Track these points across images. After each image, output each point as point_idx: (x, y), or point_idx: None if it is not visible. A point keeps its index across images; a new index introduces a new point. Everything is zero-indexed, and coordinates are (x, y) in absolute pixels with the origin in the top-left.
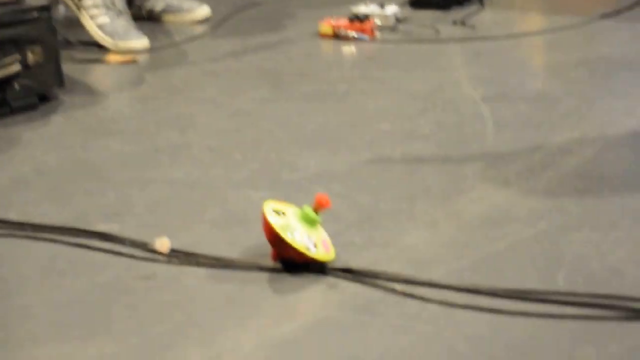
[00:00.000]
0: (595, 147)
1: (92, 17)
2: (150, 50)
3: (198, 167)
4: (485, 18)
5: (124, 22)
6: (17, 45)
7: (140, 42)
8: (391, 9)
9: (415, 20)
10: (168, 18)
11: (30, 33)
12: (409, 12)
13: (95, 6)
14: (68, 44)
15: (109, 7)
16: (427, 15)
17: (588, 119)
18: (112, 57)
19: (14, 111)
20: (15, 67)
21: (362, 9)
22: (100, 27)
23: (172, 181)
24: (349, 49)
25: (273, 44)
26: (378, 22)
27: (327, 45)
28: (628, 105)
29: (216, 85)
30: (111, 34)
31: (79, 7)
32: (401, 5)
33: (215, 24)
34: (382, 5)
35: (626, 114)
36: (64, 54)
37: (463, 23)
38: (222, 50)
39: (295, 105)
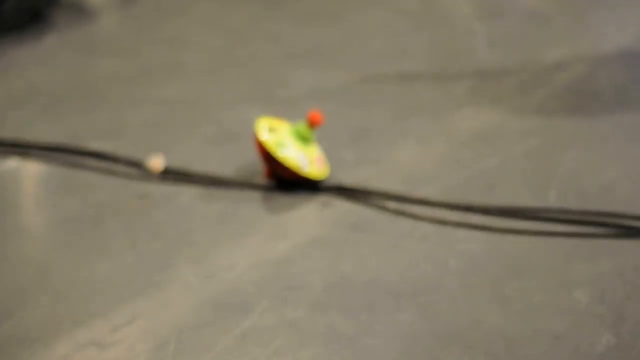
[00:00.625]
0: (588, 63)
1: None
2: None
3: (191, 85)
4: None
5: None
6: None
7: None
8: None
9: None
10: None
11: None
12: None
13: None
14: None
15: None
16: None
17: (581, 35)
18: None
19: (4, 30)
20: None
21: None
22: None
23: (165, 100)
24: None
25: None
26: None
27: None
28: (621, 21)
29: (209, 4)
30: None
31: None
32: None
33: None
34: None
35: (619, 30)
36: None
37: None
38: None
39: (288, 23)
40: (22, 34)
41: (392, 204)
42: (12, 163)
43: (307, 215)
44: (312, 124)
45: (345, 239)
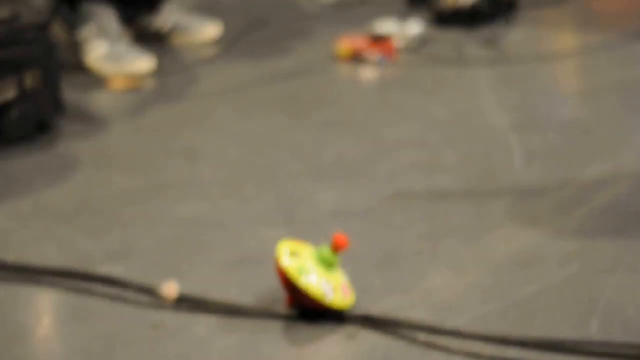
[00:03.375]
0: (631, 180)
1: (90, 50)
2: (157, 74)
3: (207, 202)
4: (513, 37)
5: (125, 45)
6: (13, 68)
7: (145, 62)
8: (414, 28)
9: (440, 40)
10: (177, 39)
11: (27, 55)
12: (432, 30)
13: (91, 37)
14: (69, 67)
15: (106, 34)
16: (452, 34)
17: (623, 150)
18: (115, 83)
19: (10, 141)
20: (11, 93)
21: (382, 28)
22: (101, 56)
23: (179, 218)
24: (368, 71)
25: (287, 66)
26: (399, 42)
27: (345, 68)
28: None
29: (227, 113)
30: (113, 59)
31: (73, 44)
32: (425, 21)
33: (226, 45)
34: (403, 23)
35: None
36: (65, 78)
37: (490, 43)
38: (233, 74)
39: (311, 133)
40: (29, 146)
41: (423, 336)
42: (18, 289)
43: (331, 349)
44: (337, 248)
45: None
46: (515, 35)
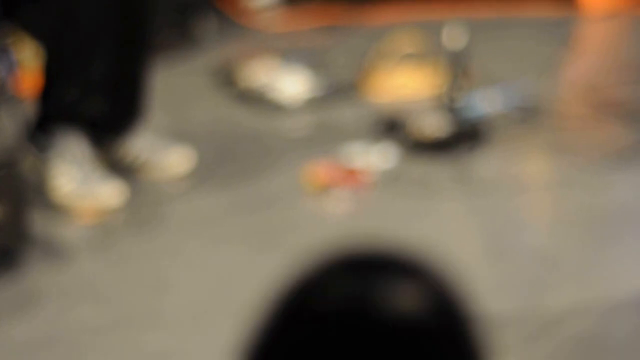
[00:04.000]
0: (598, 311)
1: (60, 181)
2: (127, 206)
3: (174, 335)
4: (485, 163)
5: (96, 177)
6: None
7: (115, 194)
8: (384, 156)
9: (409, 169)
10: (148, 170)
11: None
12: (402, 159)
13: (62, 168)
14: (38, 198)
15: (77, 166)
16: (421, 164)
17: (592, 280)
18: (85, 214)
19: None
20: None
21: (352, 154)
22: (71, 187)
23: (146, 352)
24: (337, 200)
25: (257, 197)
26: (370, 170)
27: (314, 199)
28: (636, 265)
29: (196, 245)
30: (83, 191)
31: (44, 175)
32: (394, 150)
33: (197, 176)
34: (376, 153)
35: (634, 275)
36: (34, 209)
37: (461, 172)
38: (203, 205)
39: (279, 266)
40: None
41: None
42: None
43: None
44: None
45: None
46: (487, 162)
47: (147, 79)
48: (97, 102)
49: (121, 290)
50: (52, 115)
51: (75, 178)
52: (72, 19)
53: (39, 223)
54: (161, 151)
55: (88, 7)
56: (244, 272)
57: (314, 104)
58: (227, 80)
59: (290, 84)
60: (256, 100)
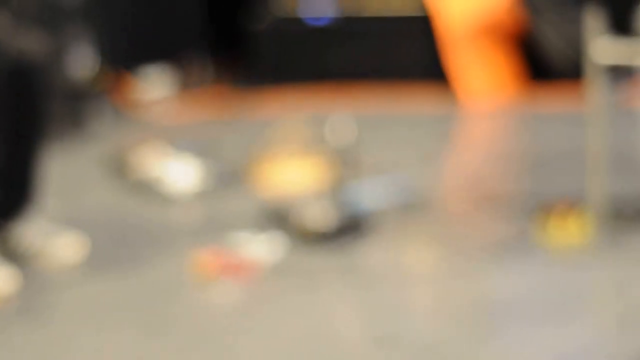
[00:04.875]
0: None
1: None
2: (17, 294)
3: None
4: (369, 254)
5: None
6: None
7: (6, 282)
8: (272, 247)
9: (299, 258)
10: (41, 258)
11: None
12: (292, 249)
13: None
14: None
15: None
16: (310, 253)
17: None
18: None
19: None
20: None
21: (240, 244)
22: None
23: None
24: (224, 289)
25: (147, 285)
26: (257, 261)
27: (202, 287)
28: (518, 351)
29: (88, 334)
30: None
31: None
32: (284, 239)
33: (88, 265)
34: (261, 241)
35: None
36: None
37: (347, 262)
38: (95, 293)
39: (168, 354)
40: None
41: None
42: None
43: None
44: None
45: None
46: (371, 254)
47: (39, 167)
48: None
49: None
50: None
51: None
52: None
53: None
54: (53, 239)
55: None
56: (133, 357)
57: (203, 194)
58: (119, 169)
59: (180, 175)
60: (147, 190)
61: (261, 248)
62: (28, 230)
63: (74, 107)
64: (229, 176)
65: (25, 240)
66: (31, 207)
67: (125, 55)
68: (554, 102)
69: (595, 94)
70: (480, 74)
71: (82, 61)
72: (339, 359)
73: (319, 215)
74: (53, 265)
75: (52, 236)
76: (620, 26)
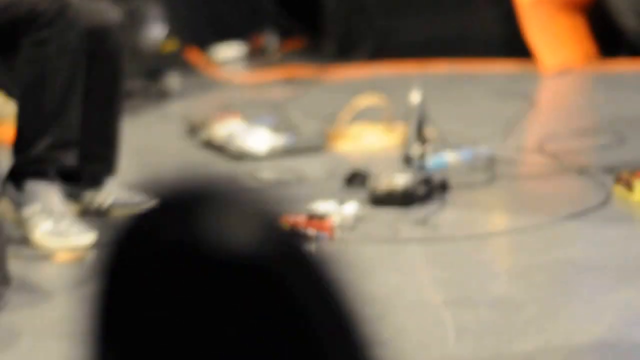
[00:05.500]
0: (560, 356)
1: (35, 227)
2: (99, 246)
3: None
4: (447, 218)
5: (68, 222)
6: None
7: (85, 237)
8: (350, 207)
9: (376, 219)
10: (116, 212)
11: None
12: (369, 210)
13: (36, 214)
14: (15, 241)
15: (49, 212)
16: (387, 214)
17: (552, 327)
18: (60, 255)
19: None
20: None
21: (320, 207)
22: (45, 233)
23: None
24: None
25: None
26: (337, 220)
27: None
28: (594, 312)
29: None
30: (56, 235)
31: (19, 221)
32: (361, 202)
33: None
34: (341, 203)
35: (592, 321)
36: (10, 250)
37: (424, 222)
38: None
39: None
40: None
41: None
42: None
43: None
44: None
45: None
46: (449, 216)
47: (117, 131)
48: (68, 155)
49: None
50: (24, 167)
51: (49, 225)
52: (44, 77)
53: (17, 263)
54: (127, 196)
55: (59, 66)
56: None
57: (277, 154)
58: (194, 130)
59: (255, 134)
60: (221, 149)
61: (337, 208)
62: (105, 190)
63: (151, 70)
64: (304, 137)
65: (102, 197)
66: (109, 171)
67: (197, 28)
68: (627, 68)
69: None
70: (554, 41)
71: (155, 32)
72: (415, 321)
73: (396, 177)
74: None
75: (126, 194)
76: None
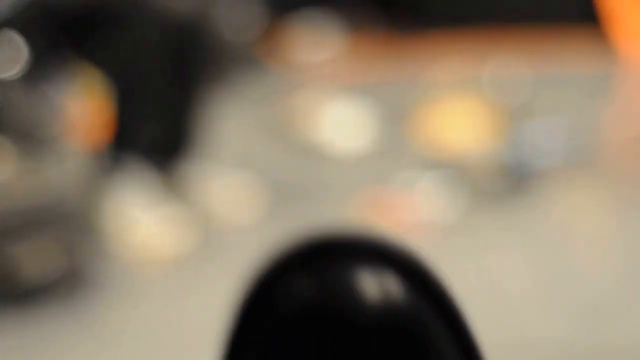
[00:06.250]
0: None
1: (131, 218)
2: (198, 244)
3: None
4: (539, 211)
5: (166, 216)
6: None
7: (184, 231)
8: (435, 202)
9: (465, 213)
10: (214, 206)
11: None
12: (457, 200)
13: (133, 207)
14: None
15: (147, 203)
16: (477, 208)
17: None
18: (157, 253)
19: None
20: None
21: (405, 198)
22: (143, 227)
23: None
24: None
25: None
26: (420, 215)
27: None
28: None
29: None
30: (155, 229)
31: (114, 212)
32: (452, 191)
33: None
34: (425, 197)
35: None
36: (104, 246)
37: (515, 214)
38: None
39: None
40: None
41: None
42: None
43: None
44: None
45: None
46: (541, 211)
47: (195, 120)
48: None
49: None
50: (128, 151)
51: (147, 218)
52: (137, 60)
53: (109, 262)
54: (225, 183)
55: (149, 49)
56: None
57: (365, 150)
58: (281, 128)
59: (341, 129)
60: (308, 149)
61: (425, 203)
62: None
63: (229, 60)
64: (391, 127)
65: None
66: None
67: (284, 3)
68: None
69: None
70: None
71: (236, 16)
72: (504, 317)
73: (486, 171)
74: (229, 215)
75: (222, 180)
76: None
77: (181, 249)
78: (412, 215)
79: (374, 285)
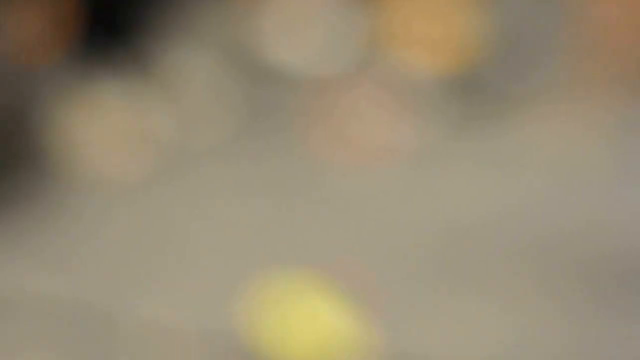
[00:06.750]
0: None
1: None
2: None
3: None
4: (513, 136)
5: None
6: None
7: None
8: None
9: (433, 140)
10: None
11: None
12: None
13: None
14: None
15: None
16: (446, 133)
17: None
18: None
19: None
20: None
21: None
22: None
23: None
24: (361, 176)
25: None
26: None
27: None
28: None
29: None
30: None
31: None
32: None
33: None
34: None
35: None
36: None
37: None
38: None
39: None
40: None
41: None
42: None
43: None
44: None
45: None
46: (515, 135)
47: None
48: None
49: None
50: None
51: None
52: None
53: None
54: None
55: None
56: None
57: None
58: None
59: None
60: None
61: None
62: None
63: None
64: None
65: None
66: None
67: None
68: None
69: None
70: None
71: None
72: (464, 238)
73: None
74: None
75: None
76: None
77: (140, 169)
78: (373, 142)
79: None
